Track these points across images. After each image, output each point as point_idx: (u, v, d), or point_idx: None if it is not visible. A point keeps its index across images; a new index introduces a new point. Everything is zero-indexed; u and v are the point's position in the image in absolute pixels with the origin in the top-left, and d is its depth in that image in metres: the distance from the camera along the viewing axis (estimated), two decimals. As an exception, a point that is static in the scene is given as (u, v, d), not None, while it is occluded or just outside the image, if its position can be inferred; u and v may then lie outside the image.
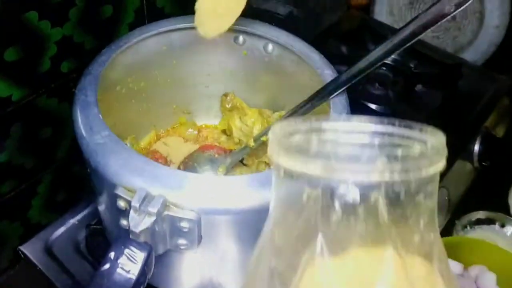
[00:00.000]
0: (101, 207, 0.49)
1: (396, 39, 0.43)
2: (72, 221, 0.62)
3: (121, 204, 0.41)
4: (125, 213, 0.41)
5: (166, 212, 0.39)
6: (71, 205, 0.65)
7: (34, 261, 0.58)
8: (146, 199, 0.39)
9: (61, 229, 0.62)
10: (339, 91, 0.47)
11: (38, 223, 0.64)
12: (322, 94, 0.48)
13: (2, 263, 0.62)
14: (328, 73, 0.51)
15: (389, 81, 0.87)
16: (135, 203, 0.39)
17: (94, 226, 0.59)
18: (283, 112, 0.63)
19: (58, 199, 0.66)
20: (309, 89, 0.54)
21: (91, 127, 0.44)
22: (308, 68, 0.53)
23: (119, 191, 0.40)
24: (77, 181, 0.67)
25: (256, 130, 0.63)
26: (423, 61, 0.89)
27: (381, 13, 1.06)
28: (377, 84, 0.82)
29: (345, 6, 1.07)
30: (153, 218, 0.38)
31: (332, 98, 0.48)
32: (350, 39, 0.94)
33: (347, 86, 0.47)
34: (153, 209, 0.39)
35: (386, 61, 0.69)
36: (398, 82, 0.88)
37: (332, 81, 0.48)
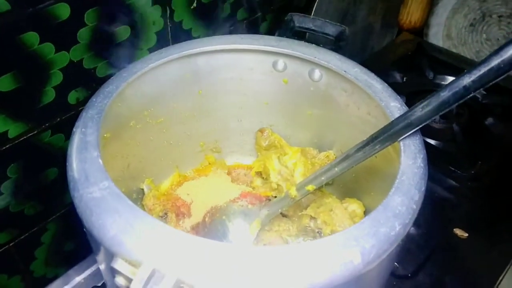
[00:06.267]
0: (104, 274, 0.39)
1: (492, 63, 0.31)
2: (78, 279, 0.54)
3: (120, 282, 0.30)
4: (126, 292, 0.31)
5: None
6: (80, 257, 0.59)
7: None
8: (153, 278, 0.29)
9: (65, 289, 0.54)
10: (413, 130, 0.36)
11: (43, 276, 0.59)
12: (389, 134, 0.37)
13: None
14: (394, 106, 0.40)
15: (452, 114, 0.75)
16: (136, 284, 0.28)
17: (101, 290, 0.49)
18: (331, 153, 0.53)
19: (66, 250, 0.59)
20: (367, 126, 0.45)
21: (87, 175, 0.34)
22: (367, 99, 0.43)
23: (118, 265, 0.30)
24: (88, 229, 0.59)
25: (298, 174, 0.53)
26: (492, 91, 0.77)
27: (437, 37, 0.96)
28: (438, 117, 0.70)
29: (396, 29, 0.97)
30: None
31: (402, 139, 0.37)
32: (404, 65, 0.85)
33: (424, 124, 0.35)
34: (161, 293, 0.28)
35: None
36: (463, 115, 0.76)
37: (402, 117, 0.36)
